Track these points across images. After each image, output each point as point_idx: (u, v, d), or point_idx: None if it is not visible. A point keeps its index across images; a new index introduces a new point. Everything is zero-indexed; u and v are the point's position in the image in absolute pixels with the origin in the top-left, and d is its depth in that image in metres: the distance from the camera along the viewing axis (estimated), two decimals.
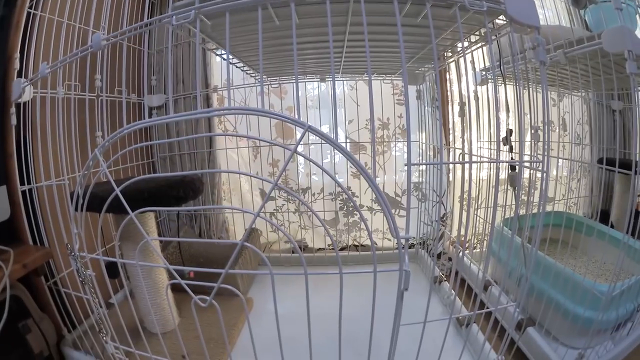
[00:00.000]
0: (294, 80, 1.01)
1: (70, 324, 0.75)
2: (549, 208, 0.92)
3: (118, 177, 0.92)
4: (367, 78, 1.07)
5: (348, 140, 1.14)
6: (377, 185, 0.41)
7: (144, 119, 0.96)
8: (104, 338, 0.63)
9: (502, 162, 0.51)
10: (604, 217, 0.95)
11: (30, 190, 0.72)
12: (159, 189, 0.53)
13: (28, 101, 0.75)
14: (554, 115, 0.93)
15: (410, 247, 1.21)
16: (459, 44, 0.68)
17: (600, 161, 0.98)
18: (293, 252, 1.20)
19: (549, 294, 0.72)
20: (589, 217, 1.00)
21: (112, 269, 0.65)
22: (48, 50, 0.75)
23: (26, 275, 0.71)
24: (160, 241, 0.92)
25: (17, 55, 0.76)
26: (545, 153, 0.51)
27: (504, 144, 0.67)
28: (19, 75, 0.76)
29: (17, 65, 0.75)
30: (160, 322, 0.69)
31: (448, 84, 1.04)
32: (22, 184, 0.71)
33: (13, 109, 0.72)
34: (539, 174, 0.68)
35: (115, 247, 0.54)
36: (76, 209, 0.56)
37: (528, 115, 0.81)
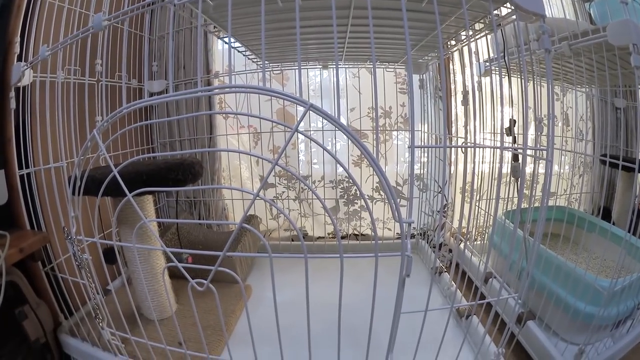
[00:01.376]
0: (297, 67, 0.99)
1: (67, 311, 0.74)
2: (550, 203, 0.91)
3: (117, 163, 0.90)
4: (370, 66, 1.05)
5: (350, 128, 1.13)
6: (380, 167, 0.39)
7: (146, 109, 0.96)
8: (100, 324, 0.62)
9: (506, 149, 0.49)
10: (606, 214, 0.94)
11: (28, 174, 0.70)
12: (158, 171, 0.52)
13: (27, 85, 0.74)
14: (556, 110, 0.91)
15: (410, 237, 1.19)
16: (463, 33, 0.67)
17: (602, 158, 0.97)
18: (292, 240, 1.19)
19: (550, 287, 0.70)
20: (590, 213, 0.98)
21: (110, 255, 0.63)
22: (48, 34, 0.74)
23: (23, 260, 0.70)
24: (159, 225, 0.90)
25: (18, 39, 0.74)
26: (551, 141, 0.50)
27: (507, 135, 0.66)
28: (19, 59, 0.74)
29: (17, 49, 0.73)
30: (158, 308, 0.68)
31: (452, 75, 1.03)
32: (20, 168, 0.70)
33: (12, 93, 0.71)
34: (541, 169, 0.67)
35: (112, 231, 0.53)
36: (73, 192, 0.55)
37: (531, 109, 0.79)
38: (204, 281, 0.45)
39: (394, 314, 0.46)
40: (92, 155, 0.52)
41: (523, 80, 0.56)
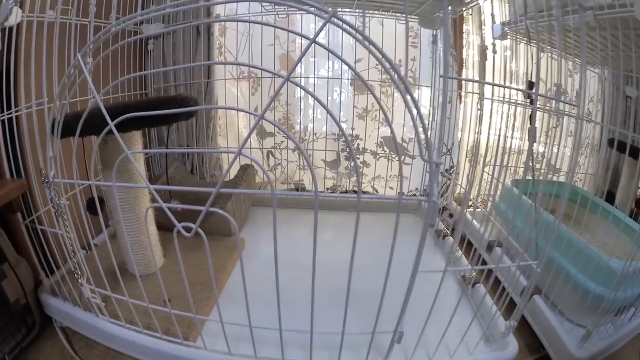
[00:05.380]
0: (302, 12, 0.90)
1: (48, 268, 0.66)
2: (554, 179, 0.85)
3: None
4: (381, 16, 0.95)
5: (354, 78, 1.04)
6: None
7: (141, 51, 0.86)
8: (79, 280, 0.54)
9: (536, 94, 0.42)
10: (610, 198, 0.88)
11: (10, 119, 0.62)
12: (148, 104, 0.44)
13: (14, 26, 0.65)
14: (568, 87, 0.85)
15: (413, 196, 1.11)
16: None
17: (610, 141, 0.91)
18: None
19: (559, 262, 0.64)
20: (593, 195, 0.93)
21: (92, 205, 0.56)
22: None
23: (1, 213, 0.62)
24: (149, 177, 0.81)
25: None
26: (582, 95, 0.43)
27: (525, 97, 0.59)
28: None
29: None
30: (142, 262, 0.60)
31: (465, 34, 0.95)
32: (1, 112, 0.61)
33: None
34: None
35: (91, 169, 0.45)
36: (52, 130, 0.47)
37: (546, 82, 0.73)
38: (192, 225, 0.37)
39: (412, 272, 0.39)
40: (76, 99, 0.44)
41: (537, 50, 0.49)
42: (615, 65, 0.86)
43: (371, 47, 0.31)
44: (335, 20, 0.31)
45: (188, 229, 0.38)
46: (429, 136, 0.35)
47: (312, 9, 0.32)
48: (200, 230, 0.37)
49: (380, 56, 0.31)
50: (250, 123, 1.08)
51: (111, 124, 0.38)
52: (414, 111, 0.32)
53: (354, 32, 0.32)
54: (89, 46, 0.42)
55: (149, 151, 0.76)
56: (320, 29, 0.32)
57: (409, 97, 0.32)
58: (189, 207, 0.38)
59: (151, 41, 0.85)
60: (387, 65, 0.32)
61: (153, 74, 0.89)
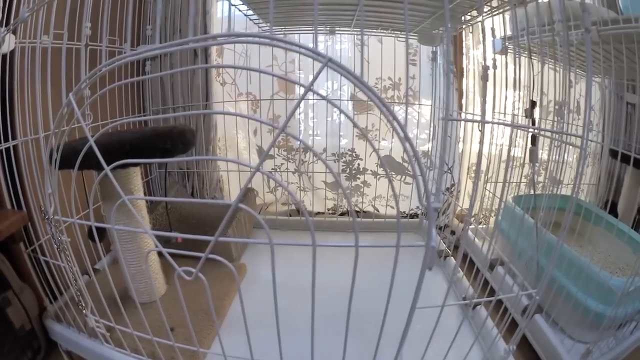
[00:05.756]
0: (301, 31, 0.89)
1: (51, 295, 0.66)
2: (556, 191, 0.84)
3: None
4: (380, 34, 0.93)
5: (354, 99, 1.02)
6: (411, 141, 0.31)
7: (139, 73, 0.85)
8: (84, 311, 0.54)
9: (538, 129, 0.41)
10: (613, 208, 0.88)
11: (7, 149, 0.61)
12: (144, 139, 0.43)
13: (7, 53, 0.64)
14: (570, 98, 0.83)
15: (412, 217, 1.11)
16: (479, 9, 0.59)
17: (612, 151, 0.90)
18: (290, 216, 1.09)
19: (560, 282, 0.64)
20: (596, 206, 0.92)
21: (92, 234, 0.55)
22: None
23: (4, 242, 0.62)
24: (149, 202, 0.81)
25: (0, 3, 0.64)
26: (586, 127, 0.42)
27: (527, 117, 0.58)
28: (0, 24, 0.64)
29: None
30: (145, 291, 0.60)
31: (465, 50, 0.94)
32: None
33: None
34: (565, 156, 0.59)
35: (90, 207, 0.45)
36: (50, 162, 0.47)
37: (548, 94, 0.71)
38: (193, 270, 0.37)
39: (411, 307, 0.39)
40: (73, 126, 0.44)
41: (541, 64, 0.48)
42: (618, 75, 0.84)
43: (369, 93, 0.30)
44: (331, 64, 0.30)
45: (189, 274, 0.38)
46: (426, 178, 0.34)
47: (310, 52, 0.31)
48: (201, 275, 0.37)
49: (378, 101, 0.30)
50: (249, 144, 1.07)
51: (107, 169, 0.37)
52: (410, 150, 0.31)
53: (351, 77, 0.31)
54: (81, 85, 0.41)
55: (147, 198, 0.75)
56: (318, 73, 0.31)
57: (407, 145, 0.31)
58: (188, 237, 0.37)
59: (148, 62, 0.84)
60: (385, 111, 0.31)
61: (151, 96, 0.88)
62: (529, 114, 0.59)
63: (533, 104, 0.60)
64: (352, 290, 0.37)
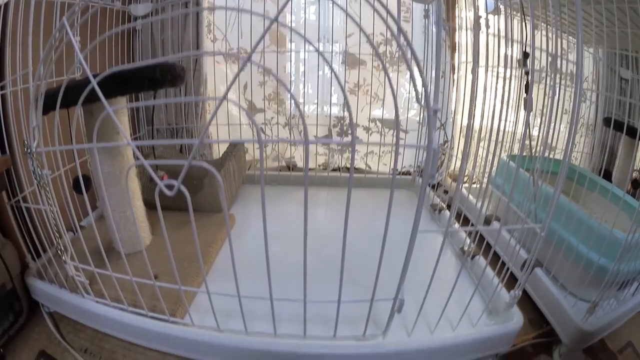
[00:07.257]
0: None
1: (34, 251, 0.62)
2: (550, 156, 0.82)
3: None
4: None
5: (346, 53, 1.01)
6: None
7: (130, 31, 0.84)
8: (63, 257, 0.51)
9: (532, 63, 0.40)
10: (606, 176, 0.86)
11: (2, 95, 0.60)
12: (133, 68, 0.42)
13: (1, 5, 0.63)
14: (562, 67, 0.83)
15: (405, 174, 1.08)
16: None
17: (606, 120, 0.89)
18: (280, 171, 1.06)
19: (559, 234, 0.61)
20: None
21: (78, 184, 0.53)
22: None
23: None
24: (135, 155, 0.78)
25: None
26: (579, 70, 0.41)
27: (520, 67, 0.57)
28: None
29: None
30: (129, 240, 0.57)
31: (457, 10, 0.94)
32: None
33: None
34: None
35: (72, 135, 0.43)
36: (36, 101, 0.45)
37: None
38: (174, 182, 0.35)
39: (410, 235, 0.36)
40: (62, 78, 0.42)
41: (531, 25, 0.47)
42: (611, 44, 0.84)
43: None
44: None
45: (170, 188, 0.35)
46: (427, 85, 0.32)
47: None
48: (182, 188, 0.34)
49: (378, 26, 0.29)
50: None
51: (93, 82, 0.35)
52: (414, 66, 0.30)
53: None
54: (75, 9, 0.40)
55: (132, 105, 0.72)
56: (284, 6, 0.30)
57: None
58: (173, 162, 0.35)
59: (140, 20, 0.83)
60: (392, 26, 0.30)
61: (141, 52, 0.87)
62: (522, 63, 0.58)
63: (526, 54, 0.59)
64: (345, 230, 0.35)
